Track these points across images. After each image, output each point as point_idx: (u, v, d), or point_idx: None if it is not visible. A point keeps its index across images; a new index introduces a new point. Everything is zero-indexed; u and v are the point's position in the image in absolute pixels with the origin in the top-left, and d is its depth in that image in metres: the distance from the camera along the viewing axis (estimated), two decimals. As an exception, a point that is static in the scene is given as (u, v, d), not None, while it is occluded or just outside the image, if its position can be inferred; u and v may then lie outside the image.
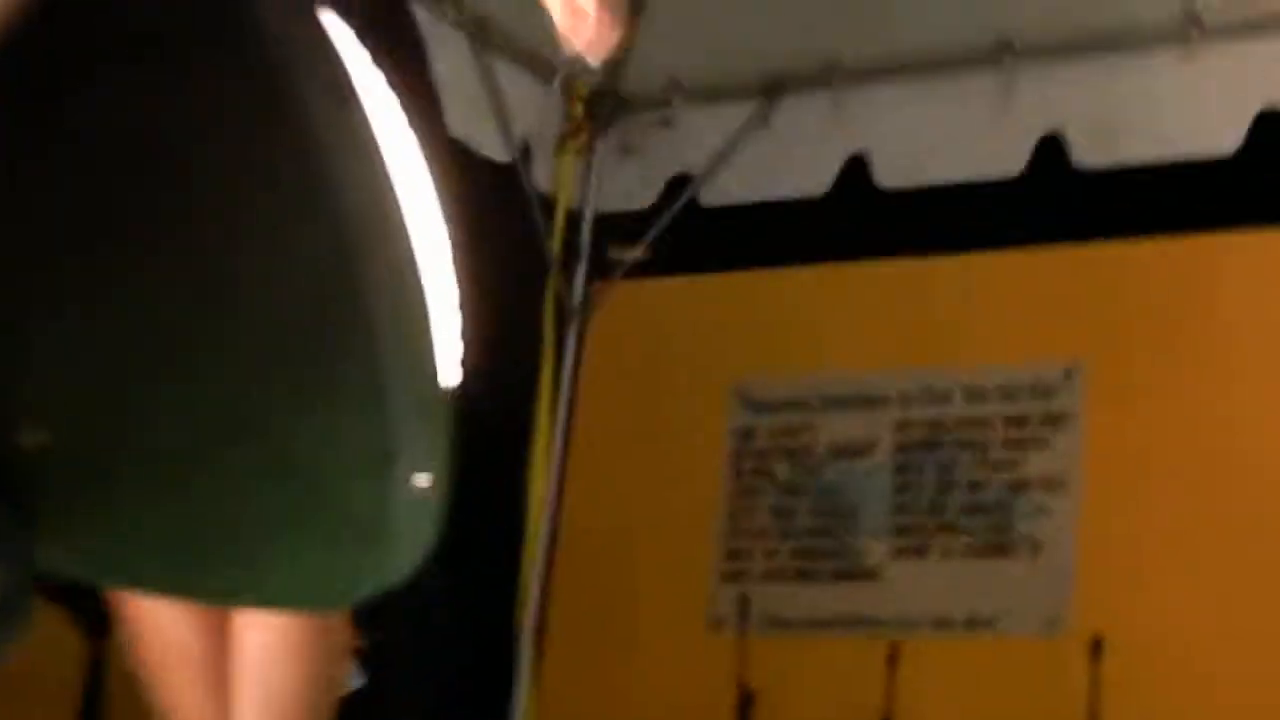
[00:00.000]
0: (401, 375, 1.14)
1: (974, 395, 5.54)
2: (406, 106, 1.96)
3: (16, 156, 0.96)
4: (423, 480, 1.15)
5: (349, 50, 1.24)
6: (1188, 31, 4.86)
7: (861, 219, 5.53)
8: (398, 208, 1.11)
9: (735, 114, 5.49)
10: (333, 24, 1.25)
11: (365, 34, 1.93)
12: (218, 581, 1.22)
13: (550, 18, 2.14)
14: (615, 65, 5.57)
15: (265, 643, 2.25)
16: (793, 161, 5.45)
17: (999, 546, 5.41)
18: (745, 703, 5.26)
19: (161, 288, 0.98)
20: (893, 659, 5.22)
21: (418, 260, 1.16)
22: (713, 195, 5.59)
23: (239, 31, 1.00)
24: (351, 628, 2.31)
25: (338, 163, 1.03)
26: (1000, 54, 5.11)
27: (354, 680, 2.60)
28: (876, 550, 5.58)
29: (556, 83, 5.52)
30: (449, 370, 1.27)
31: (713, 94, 5.54)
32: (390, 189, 1.11)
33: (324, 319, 1.07)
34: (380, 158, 1.10)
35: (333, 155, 1.02)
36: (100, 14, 0.98)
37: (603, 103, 5.64)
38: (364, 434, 1.11)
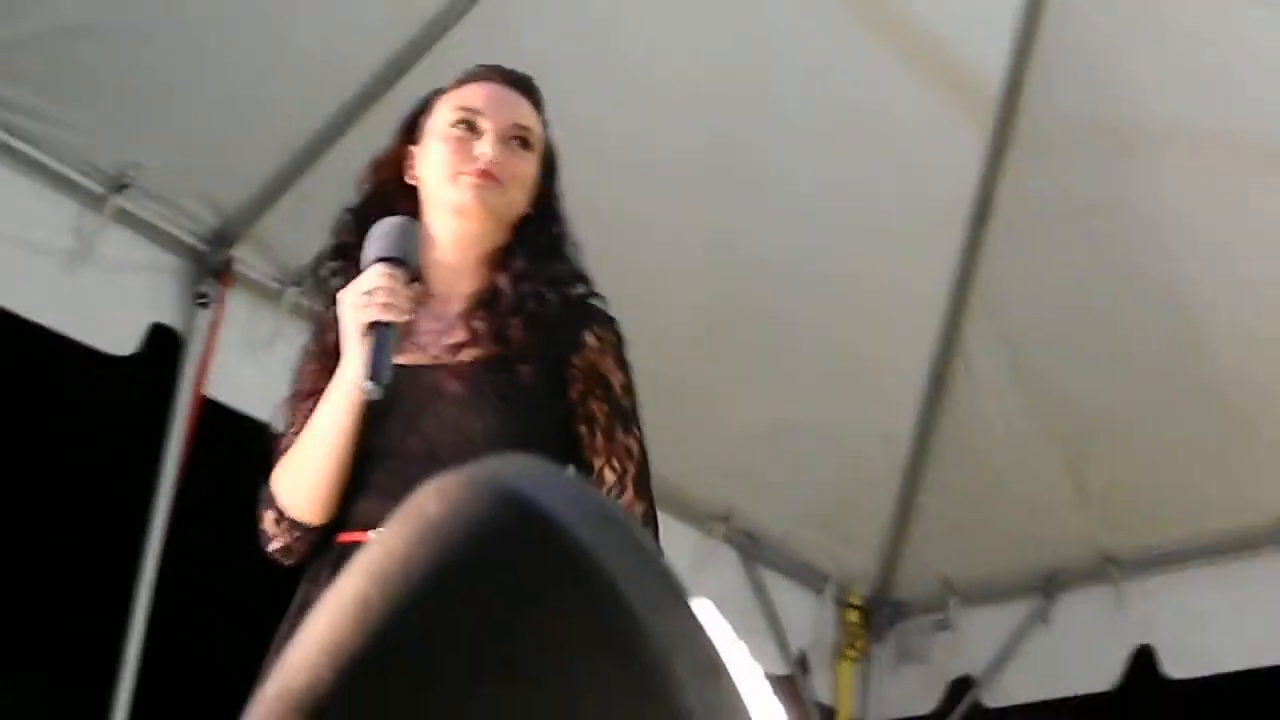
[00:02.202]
0: None
1: None
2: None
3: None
4: None
5: (717, 631, 1.31)
6: None
7: (1150, 712, 5.38)
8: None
9: (1014, 613, 5.48)
10: (702, 609, 1.32)
11: None
12: None
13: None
14: (888, 573, 5.63)
15: None
16: (1077, 657, 5.37)
17: None
18: None
19: None
20: None
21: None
22: (996, 696, 5.52)
23: (619, 635, 1.06)
24: None
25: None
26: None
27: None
28: None
29: (828, 592, 5.59)
30: None
31: (989, 595, 5.54)
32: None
33: None
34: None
35: None
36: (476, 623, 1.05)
37: (878, 609, 5.67)
38: None
